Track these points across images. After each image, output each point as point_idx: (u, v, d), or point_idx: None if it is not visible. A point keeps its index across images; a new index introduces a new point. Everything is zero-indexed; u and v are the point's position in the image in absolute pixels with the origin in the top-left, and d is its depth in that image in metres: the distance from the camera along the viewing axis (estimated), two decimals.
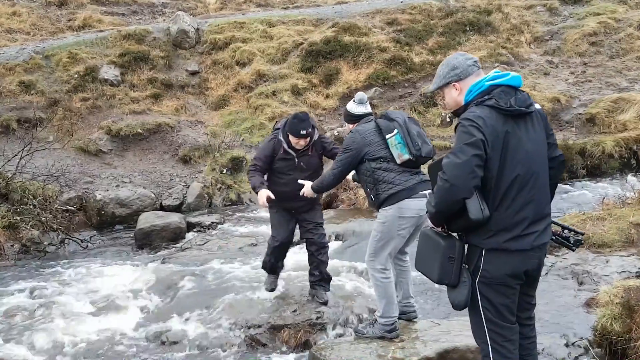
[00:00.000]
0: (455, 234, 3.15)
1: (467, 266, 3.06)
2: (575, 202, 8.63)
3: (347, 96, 12.74)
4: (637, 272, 5.58)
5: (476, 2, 15.76)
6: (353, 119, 4.79)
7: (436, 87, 3.28)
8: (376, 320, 4.59)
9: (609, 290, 4.78)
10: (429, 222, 3.25)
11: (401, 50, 13.71)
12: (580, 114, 11.51)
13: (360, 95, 4.83)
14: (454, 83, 3.16)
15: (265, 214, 9.89)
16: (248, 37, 14.41)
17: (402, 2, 15.71)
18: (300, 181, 5.16)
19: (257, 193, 5.33)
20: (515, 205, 2.96)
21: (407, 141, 4.37)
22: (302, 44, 13.91)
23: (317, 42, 13.78)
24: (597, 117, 11.20)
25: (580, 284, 5.72)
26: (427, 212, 3.20)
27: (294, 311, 5.68)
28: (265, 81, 13.17)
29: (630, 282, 4.90)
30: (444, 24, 14.64)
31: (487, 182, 2.93)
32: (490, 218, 2.96)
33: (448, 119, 12.02)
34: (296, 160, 5.39)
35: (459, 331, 4.49)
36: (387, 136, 4.41)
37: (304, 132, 5.21)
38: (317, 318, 5.55)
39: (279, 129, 5.42)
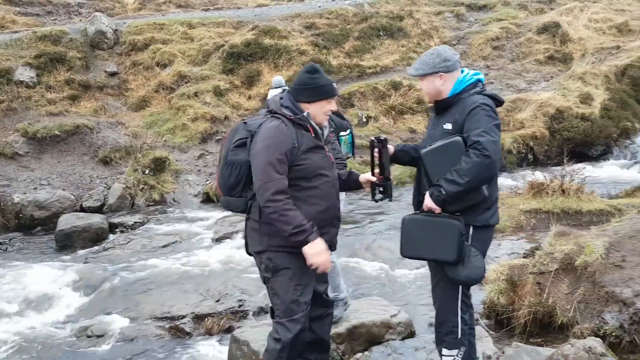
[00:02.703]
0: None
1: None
2: None
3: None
4: (524, 253, 6.30)
5: (389, 8, 16.53)
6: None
7: (423, 72, 3.38)
8: None
9: (496, 269, 5.34)
10: (430, 204, 3.23)
11: (319, 54, 14.25)
12: None
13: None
14: (441, 73, 3.34)
15: (194, 212, 10.27)
16: (168, 39, 14.48)
17: (320, 6, 16.27)
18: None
19: (307, 242, 3.24)
20: (494, 183, 3.35)
21: (354, 142, 4.71)
22: (223, 45, 14.15)
23: (238, 44, 14.07)
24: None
25: None
26: (437, 195, 3.16)
27: (217, 301, 6.02)
28: (186, 82, 13.32)
29: (515, 261, 5.56)
30: (359, 28, 15.31)
31: None
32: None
33: (364, 119, 12.65)
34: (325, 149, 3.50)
35: (366, 309, 4.93)
36: (341, 134, 4.56)
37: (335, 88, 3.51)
38: (240, 306, 5.92)
39: (273, 111, 3.39)
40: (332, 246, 3.48)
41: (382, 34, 15.29)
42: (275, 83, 4.64)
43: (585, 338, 3.92)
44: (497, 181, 3.43)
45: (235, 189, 3.38)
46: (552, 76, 14.19)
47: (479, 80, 3.39)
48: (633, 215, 5.76)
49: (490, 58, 14.99)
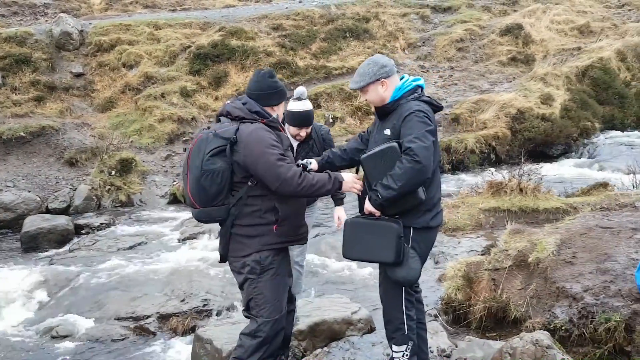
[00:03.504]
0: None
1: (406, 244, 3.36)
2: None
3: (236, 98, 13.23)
4: (482, 251, 6.48)
5: (355, 9, 16.69)
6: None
7: (365, 84, 3.45)
8: None
9: (454, 266, 5.49)
10: (370, 208, 3.35)
11: (286, 55, 14.34)
12: (446, 114, 12.66)
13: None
14: (382, 80, 3.44)
15: (160, 213, 10.25)
16: (134, 39, 14.41)
17: (286, 8, 16.36)
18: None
19: (340, 183, 3.55)
20: (434, 187, 3.45)
21: None
22: (189, 46, 14.14)
23: (205, 45, 14.07)
24: (461, 117, 12.40)
25: (436, 263, 6.54)
26: (375, 199, 3.29)
27: (182, 300, 6.07)
28: (153, 83, 13.28)
29: (472, 258, 5.72)
30: (325, 30, 15.44)
31: None
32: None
33: (331, 120, 12.78)
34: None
35: (328, 307, 5.03)
36: None
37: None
38: (205, 305, 5.98)
39: (241, 117, 3.49)
40: (304, 239, 3.74)
41: (348, 35, 15.45)
42: (298, 93, 4.63)
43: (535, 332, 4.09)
44: (439, 184, 3.55)
45: (217, 198, 3.38)
46: (514, 77, 14.51)
47: (419, 86, 3.49)
48: (586, 213, 5.97)
49: (455, 59, 15.26)
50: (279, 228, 3.46)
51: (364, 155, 3.46)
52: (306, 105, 4.47)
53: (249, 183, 3.41)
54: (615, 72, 14.37)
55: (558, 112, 12.66)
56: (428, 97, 3.51)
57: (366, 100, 3.60)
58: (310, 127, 4.51)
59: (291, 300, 3.90)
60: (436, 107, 3.50)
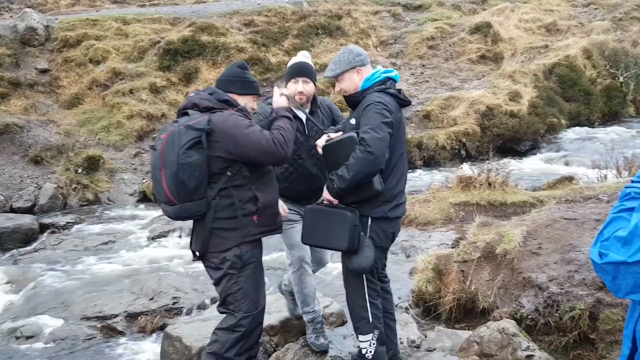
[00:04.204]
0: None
1: (363, 233, 3.42)
2: (410, 189, 9.68)
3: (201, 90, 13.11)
4: (451, 244, 6.55)
5: (328, 7, 16.69)
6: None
7: (341, 71, 3.49)
8: None
9: (424, 259, 5.54)
10: (328, 196, 3.43)
11: (258, 51, 14.25)
12: (418, 111, 12.74)
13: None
14: (358, 68, 3.48)
15: (129, 211, 10.08)
16: (102, 35, 14.16)
17: (258, 4, 16.26)
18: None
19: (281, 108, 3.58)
20: (396, 178, 3.47)
21: None
22: (159, 42, 13.95)
23: (175, 40, 13.90)
24: (432, 113, 12.50)
25: (408, 256, 6.58)
26: (332, 187, 3.37)
27: (151, 299, 5.99)
28: (121, 79, 13.06)
29: (442, 251, 5.77)
30: (298, 26, 15.39)
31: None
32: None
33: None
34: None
35: None
36: None
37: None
38: (174, 304, 5.91)
39: (209, 107, 3.43)
40: (281, 228, 3.69)
41: (320, 32, 15.44)
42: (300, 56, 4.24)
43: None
44: (402, 176, 3.56)
45: (197, 191, 3.28)
46: (483, 75, 14.67)
47: (390, 78, 3.50)
48: (551, 205, 6.06)
49: (426, 57, 15.36)
50: (259, 218, 3.44)
51: (325, 144, 3.50)
52: (307, 58, 4.10)
53: (228, 173, 3.35)
54: (581, 69, 14.63)
55: (526, 108, 12.83)
56: (397, 90, 3.50)
57: (341, 89, 3.59)
58: (311, 84, 3.92)
59: None
60: (402, 101, 3.50)
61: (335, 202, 3.43)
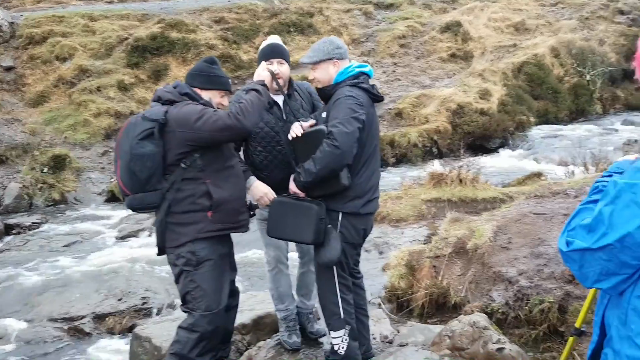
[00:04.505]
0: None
1: (331, 225, 3.37)
2: (382, 186, 9.70)
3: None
4: (424, 240, 6.57)
5: (299, 4, 16.65)
6: None
7: (318, 59, 3.42)
8: None
9: (397, 255, 5.57)
10: (294, 188, 3.38)
11: (229, 48, 14.14)
12: (390, 109, 12.79)
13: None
14: (335, 60, 3.40)
15: (97, 211, 9.88)
16: (68, 32, 13.87)
17: (229, 1, 16.12)
18: None
19: (264, 84, 3.49)
20: (367, 174, 3.41)
21: None
22: (127, 39, 13.74)
23: (144, 37, 13.70)
24: (404, 111, 12.56)
25: (380, 253, 6.58)
26: (298, 180, 3.33)
27: (120, 299, 5.88)
28: (88, 76, 12.82)
29: (414, 247, 5.79)
30: (269, 24, 15.32)
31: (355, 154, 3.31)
32: (350, 185, 3.34)
33: None
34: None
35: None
36: None
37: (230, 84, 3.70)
38: (143, 304, 5.81)
39: (171, 100, 3.38)
40: (246, 226, 3.56)
41: (292, 30, 15.39)
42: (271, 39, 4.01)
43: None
44: (374, 172, 3.50)
45: (149, 182, 3.24)
46: (454, 73, 14.80)
47: (363, 73, 3.43)
48: (521, 201, 6.13)
49: (397, 55, 15.44)
50: (214, 214, 3.33)
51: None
52: (278, 40, 3.95)
53: (182, 165, 3.27)
54: (549, 68, 14.86)
55: (495, 106, 12.98)
56: (370, 85, 3.45)
57: (314, 78, 3.53)
58: (286, 65, 3.74)
59: (234, 293, 3.79)
60: (375, 96, 3.45)
61: (302, 194, 3.39)
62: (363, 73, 3.45)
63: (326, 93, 3.46)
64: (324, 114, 3.41)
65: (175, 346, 3.44)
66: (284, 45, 3.89)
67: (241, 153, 3.83)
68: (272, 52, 3.71)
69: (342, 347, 3.46)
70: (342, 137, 3.17)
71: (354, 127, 3.21)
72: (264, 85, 3.45)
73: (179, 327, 3.48)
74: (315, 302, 4.18)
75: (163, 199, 3.29)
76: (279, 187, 3.67)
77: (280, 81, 3.66)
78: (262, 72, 3.51)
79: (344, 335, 3.45)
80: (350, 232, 3.42)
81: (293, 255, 4.16)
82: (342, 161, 3.22)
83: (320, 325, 4.10)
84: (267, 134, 3.68)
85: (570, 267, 1.76)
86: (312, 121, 3.53)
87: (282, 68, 3.69)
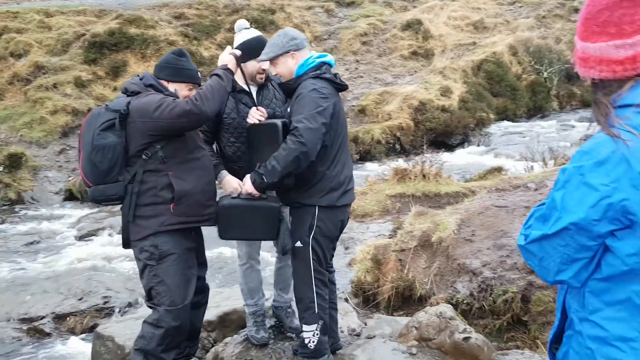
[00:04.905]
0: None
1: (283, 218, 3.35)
2: None
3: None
4: (389, 234, 6.62)
5: (260, 1, 16.57)
6: None
7: (274, 55, 3.31)
8: None
9: (363, 250, 5.60)
10: (251, 189, 3.27)
11: (190, 44, 13.95)
12: (353, 106, 12.85)
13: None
14: (292, 52, 3.28)
15: (55, 210, 9.61)
16: (23, 28, 13.47)
17: None
18: None
19: (228, 69, 3.42)
20: (341, 164, 3.33)
21: None
22: (84, 34, 13.42)
23: (101, 33, 13.40)
24: (367, 108, 12.63)
25: (347, 248, 6.60)
26: (260, 182, 3.21)
27: (80, 299, 5.75)
28: (44, 73, 12.47)
29: (380, 241, 5.83)
30: (231, 20, 15.16)
31: (324, 146, 3.22)
32: (324, 178, 3.27)
33: None
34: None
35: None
36: None
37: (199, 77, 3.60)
38: (105, 303, 5.70)
39: (136, 92, 3.36)
40: (212, 220, 3.48)
41: (254, 26, 15.14)
42: (241, 25, 3.76)
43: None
44: (346, 163, 3.43)
45: (110, 174, 3.20)
46: (415, 71, 14.96)
47: (324, 63, 3.36)
48: (483, 194, 6.23)
49: (360, 53, 15.52)
50: (176, 207, 3.27)
51: (248, 125, 3.42)
52: (250, 29, 3.77)
53: (144, 157, 3.22)
54: (508, 65, 15.15)
55: (456, 103, 13.17)
56: (332, 74, 3.38)
57: (277, 74, 3.46)
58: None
59: (204, 290, 3.73)
60: (339, 86, 3.38)
61: (257, 195, 3.30)
62: (324, 63, 3.37)
63: (289, 87, 3.36)
64: (289, 109, 3.33)
65: (140, 342, 3.39)
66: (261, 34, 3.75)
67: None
68: (262, 49, 3.48)
69: (313, 342, 3.45)
70: (307, 133, 3.08)
71: (319, 123, 3.12)
72: (227, 69, 3.36)
73: (144, 322, 3.43)
74: (292, 296, 4.18)
75: (126, 191, 3.24)
76: None
77: (264, 77, 3.64)
78: (225, 57, 3.41)
79: (316, 329, 3.43)
80: (327, 226, 3.36)
81: (264, 254, 4.14)
82: (307, 158, 3.14)
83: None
84: (239, 124, 3.60)
85: (531, 264, 1.76)
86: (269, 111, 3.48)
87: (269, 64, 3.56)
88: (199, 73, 3.52)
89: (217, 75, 3.29)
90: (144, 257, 3.30)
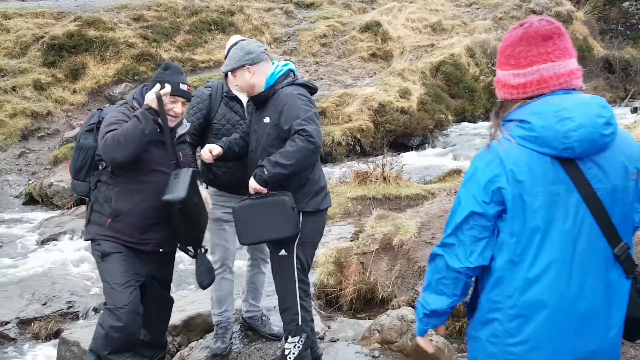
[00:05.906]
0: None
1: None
2: None
3: (96, 91, 12.57)
4: (351, 237, 6.78)
5: (220, 2, 16.51)
6: None
7: (229, 68, 3.40)
8: None
9: (325, 253, 5.68)
10: (255, 185, 3.23)
11: (149, 46, 13.85)
12: None
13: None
14: (247, 66, 3.33)
15: (15, 214, 9.37)
16: None
17: None
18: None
19: (150, 108, 3.35)
20: (318, 169, 3.41)
21: None
22: (43, 37, 13.19)
23: (60, 35, 13.18)
24: (327, 110, 12.75)
25: None
26: (260, 175, 3.19)
27: (44, 304, 5.74)
28: (3, 76, 12.21)
29: (342, 244, 5.97)
30: (190, 22, 15.12)
31: None
32: (307, 182, 3.31)
33: None
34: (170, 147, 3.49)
35: (202, 300, 5.01)
36: None
37: (185, 86, 3.46)
38: (69, 308, 5.70)
39: (125, 101, 3.56)
40: (162, 245, 3.51)
41: (213, 28, 15.27)
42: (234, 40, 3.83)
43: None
44: (319, 165, 3.51)
45: (80, 172, 3.49)
46: (375, 72, 15.17)
47: (290, 70, 3.46)
48: (442, 197, 6.45)
49: (319, 54, 15.65)
50: (112, 223, 3.40)
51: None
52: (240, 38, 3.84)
53: (99, 166, 3.44)
54: (465, 67, 15.47)
55: (415, 105, 13.37)
56: (303, 80, 3.49)
57: (237, 85, 3.54)
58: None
59: (164, 303, 3.80)
60: (312, 89, 3.49)
61: (264, 191, 3.23)
62: (290, 70, 3.47)
63: (262, 98, 3.39)
64: (266, 120, 3.34)
65: (92, 343, 3.46)
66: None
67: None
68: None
69: (293, 354, 3.42)
70: (316, 133, 3.15)
71: (318, 124, 3.23)
72: (150, 108, 3.32)
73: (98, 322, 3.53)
74: (265, 304, 4.26)
75: (89, 192, 3.52)
76: (237, 184, 3.64)
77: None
78: (148, 96, 3.36)
79: (298, 342, 3.41)
80: (312, 232, 3.38)
81: (239, 263, 4.19)
82: (315, 156, 3.24)
83: (279, 326, 4.01)
84: (227, 131, 3.68)
85: (446, 260, 2.12)
86: (219, 150, 3.46)
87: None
88: (179, 85, 3.42)
89: (136, 117, 3.28)
90: (95, 256, 3.52)
